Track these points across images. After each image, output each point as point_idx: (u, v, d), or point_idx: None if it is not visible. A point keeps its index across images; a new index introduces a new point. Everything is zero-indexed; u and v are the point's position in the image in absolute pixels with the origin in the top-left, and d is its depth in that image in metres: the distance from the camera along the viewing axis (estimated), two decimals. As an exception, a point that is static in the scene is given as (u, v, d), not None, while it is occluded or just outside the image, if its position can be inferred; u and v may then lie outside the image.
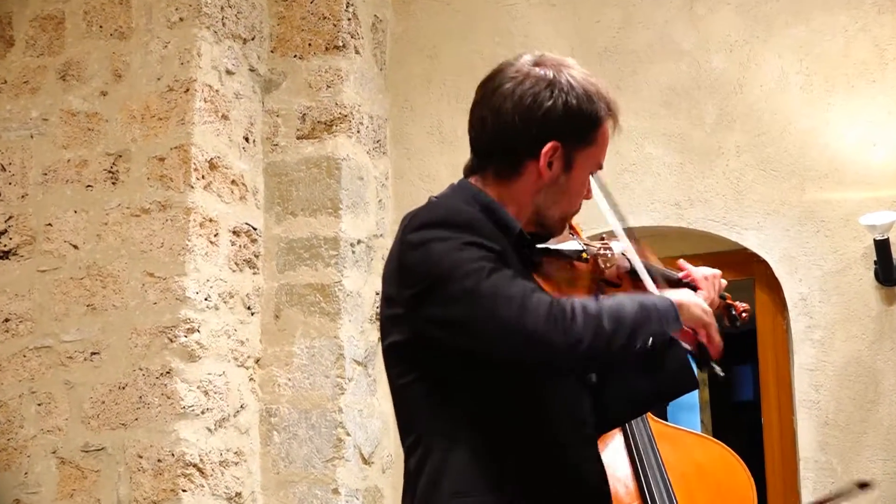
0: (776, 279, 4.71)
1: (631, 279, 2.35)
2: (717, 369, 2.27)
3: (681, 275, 2.46)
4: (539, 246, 2.30)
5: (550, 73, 2.22)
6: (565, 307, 2.05)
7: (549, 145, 2.21)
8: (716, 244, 4.87)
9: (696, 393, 7.90)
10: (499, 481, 2.11)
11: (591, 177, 2.32)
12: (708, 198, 4.80)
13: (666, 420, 5.12)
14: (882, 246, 4.45)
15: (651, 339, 2.13)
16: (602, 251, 2.37)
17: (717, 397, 7.31)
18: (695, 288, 2.40)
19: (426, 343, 2.13)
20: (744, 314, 2.58)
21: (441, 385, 2.15)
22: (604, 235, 2.43)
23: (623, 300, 2.13)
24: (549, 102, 2.20)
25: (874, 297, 4.54)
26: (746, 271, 4.89)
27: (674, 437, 3.52)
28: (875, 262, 4.51)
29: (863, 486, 3.20)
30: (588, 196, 2.33)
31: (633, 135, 4.83)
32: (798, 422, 4.61)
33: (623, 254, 2.37)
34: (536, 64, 2.25)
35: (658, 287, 2.31)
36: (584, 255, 2.35)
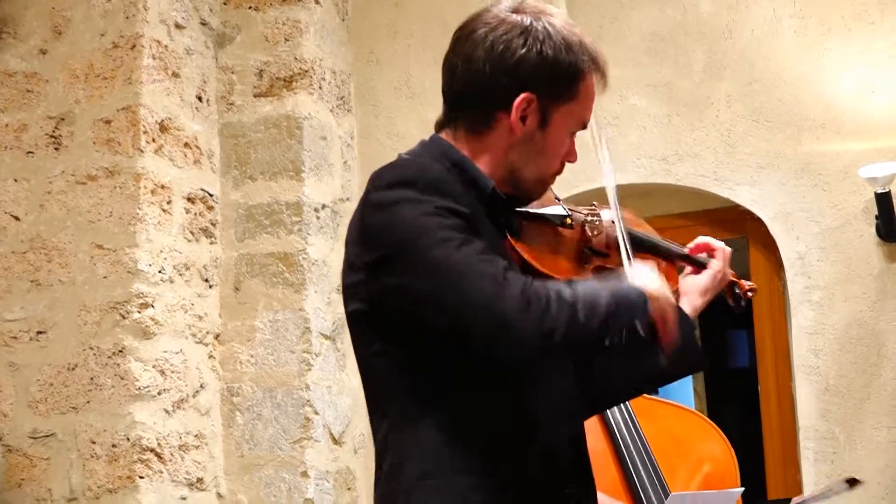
0: (771, 237, 4.70)
1: (618, 250, 2.27)
2: (662, 359, 2.15)
3: (689, 248, 2.42)
4: (519, 209, 2.25)
5: (527, 20, 2.16)
6: (539, 292, 1.99)
7: (521, 97, 2.14)
8: (706, 201, 4.86)
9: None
10: (467, 461, 2.06)
11: (592, 133, 2.27)
12: (697, 152, 4.77)
13: (657, 389, 5.03)
14: (883, 199, 4.42)
15: (621, 332, 2.08)
16: (590, 218, 2.31)
17: (712, 365, 7.27)
18: (704, 265, 2.38)
19: (387, 312, 2.08)
20: (749, 293, 2.52)
21: (405, 358, 2.10)
22: (594, 203, 2.36)
23: (597, 289, 2.06)
24: (523, 51, 2.13)
25: (876, 254, 4.53)
26: (739, 230, 4.93)
27: (648, 408, 3.52)
28: (876, 217, 4.49)
29: (852, 482, 3.20)
30: (571, 158, 2.25)
31: (615, 86, 4.67)
32: (797, 389, 4.61)
33: (613, 222, 2.30)
34: (515, 10, 2.19)
35: (643, 259, 2.25)
36: (569, 220, 2.29)
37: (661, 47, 4.83)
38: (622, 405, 3.34)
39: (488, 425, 2.08)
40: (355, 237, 2.13)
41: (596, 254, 2.30)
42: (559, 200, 2.33)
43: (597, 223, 2.30)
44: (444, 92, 2.24)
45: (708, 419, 3.60)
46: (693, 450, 3.50)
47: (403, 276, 2.02)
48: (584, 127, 2.24)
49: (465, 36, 2.18)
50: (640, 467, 3.28)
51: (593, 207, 2.34)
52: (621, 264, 2.23)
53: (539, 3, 2.22)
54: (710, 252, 2.41)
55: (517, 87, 2.13)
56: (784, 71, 4.67)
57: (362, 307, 2.12)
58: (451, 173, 2.12)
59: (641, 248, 2.33)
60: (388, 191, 2.07)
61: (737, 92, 4.72)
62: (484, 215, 2.12)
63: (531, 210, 2.26)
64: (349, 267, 2.15)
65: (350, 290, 2.15)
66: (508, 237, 2.20)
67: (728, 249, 2.42)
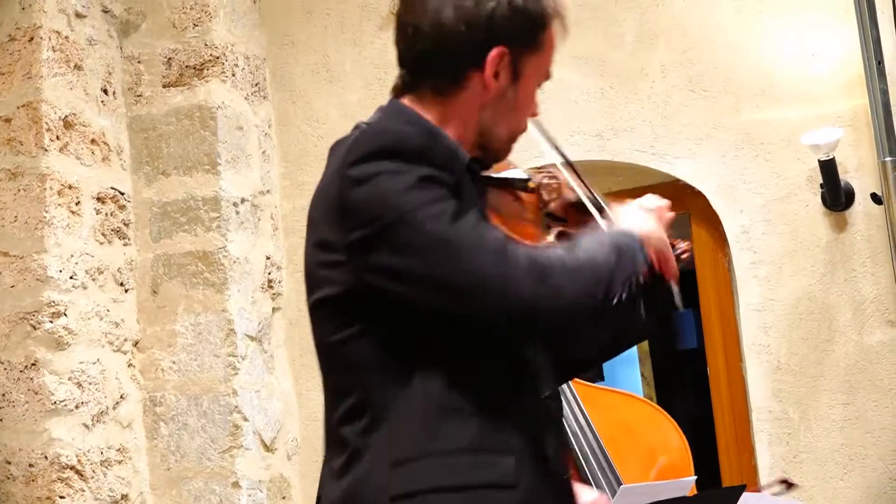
0: (714, 212, 4.70)
1: (576, 213, 2.29)
2: (676, 295, 2.26)
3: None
4: (483, 174, 2.24)
5: None
6: (546, 259, 2.02)
7: (494, 52, 2.14)
8: (645, 177, 4.84)
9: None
10: (457, 440, 2.06)
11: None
12: (633, 126, 4.76)
13: (602, 375, 5.07)
14: (828, 167, 4.42)
15: (626, 286, 2.08)
16: (547, 181, 2.32)
17: (658, 347, 7.32)
18: None
19: (372, 293, 2.06)
20: (684, 255, 2.50)
21: (389, 339, 2.08)
22: (553, 165, 2.35)
23: (593, 245, 2.09)
24: (493, 3, 2.13)
25: (823, 224, 4.55)
26: (681, 205, 4.81)
27: (597, 397, 3.54)
28: (821, 186, 4.50)
29: (788, 485, 3.37)
30: (535, 112, 2.27)
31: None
32: (747, 369, 4.62)
33: (569, 185, 2.32)
34: None
35: (606, 220, 2.26)
36: (531, 184, 2.30)
37: (590, 18, 4.79)
38: (568, 394, 3.36)
39: (478, 402, 2.08)
40: (331, 216, 2.09)
41: (554, 219, 2.30)
42: (511, 164, 2.34)
43: (554, 185, 2.30)
44: (402, 55, 2.21)
45: (658, 406, 3.63)
46: (644, 438, 3.52)
47: (394, 255, 2.01)
48: (549, 77, 2.25)
49: None
50: (591, 458, 3.30)
51: (548, 170, 2.34)
52: (581, 227, 2.23)
53: None
54: None
55: (490, 42, 2.13)
56: (719, 37, 4.66)
57: (337, 290, 2.09)
58: (428, 139, 2.11)
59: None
60: (366, 164, 2.04)
61: (671, 61, 4.71)
62: (469, 182, 2.12)
63: (493, 175, 2.26)
64: (321, 248, 2.12)
65: (321, 272, 2.12)
66: None
67: (665, 203, 2.39)
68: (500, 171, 2.28)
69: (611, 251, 2.07)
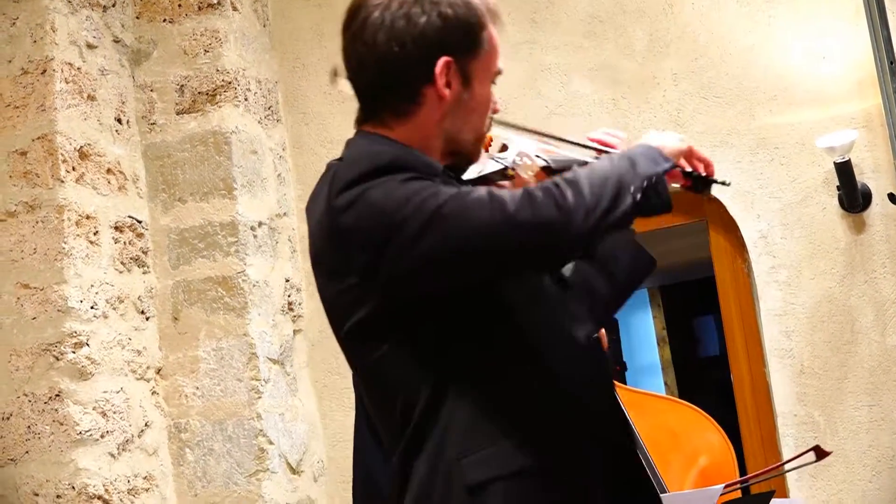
0: (731, 218, 4.70)
1: (561, 171, 2.32)
2: (724, 180, 2.42)
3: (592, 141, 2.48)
4: (464, 178, 2.32)
5: None
6: (542, 186, 2.08)
7: (440, 63, 2.19)
8: None
9: (656, 353, 7.92)
10: (505, 430, 2.12)
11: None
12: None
13: (625, 384, 5.06)
14: (844, 169, 4.42)
15: (646, 184, 2.15)
16: (521, 160, 2.39)
17: (681, 355, 7.30)
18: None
19: (403, 303, 2.11)
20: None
21: (422, 348, 2.14)
22: (503, 144, 2.44)
23: (600, 161, 2.19)
24: (424, 18, 2.18)
25: (841, 226, 4.55)
26: (697, 213, 4.89)
27: (641, 402, 3.55)
28: (838, 188, 4.50)
29: (820, 453, 3.32)
30: (496, 108, 2.32)
31: (556, 72, 4.81)
32: (771, 374, 4.63)
33: (537, 155, 2.40)
34: None
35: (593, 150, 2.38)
36: (510, 171, 2.38)
37: (600, 29, 4.82)
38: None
39: (519, 389, 2.15)
40: (331, 246, 2.16)
41: None
42: (485, 151, 2.39)
43: (528, 162, 2.38)
44: (355, 88, 2.26)
45: (704, 412, 3.61)
46: (689, 443, 3.51)
47: (409, 249, 2.05)
48: (499, 73, 2.29)
49: (360, 25, 2.21)
50: None
51: (513, 149, 2.40)
52: None
53: None
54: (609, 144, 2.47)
55: (432, 55, 2.18)
56: (730, 43, 4.68)
57: (368, 311, 2.13)
58: (402, 152, 2.16)
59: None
60: (349, 190, 2.10)
61: (683, 69, 4.72)
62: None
63: (474, 176, 2.34)
64: (332, 278, 2.18)
65: (343, 301, 2.17)
66: None
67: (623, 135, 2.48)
68: (477, 166, 2.35)
69: (619, 159, 2.17)
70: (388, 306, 2.11)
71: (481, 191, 2.09)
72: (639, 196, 2.12)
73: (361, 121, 2.27)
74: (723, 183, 2.42)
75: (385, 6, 2.19)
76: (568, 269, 2.31)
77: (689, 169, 2.34)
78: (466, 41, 2.21)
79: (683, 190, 2.38)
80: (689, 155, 2.33)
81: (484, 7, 2.24)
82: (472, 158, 2.31)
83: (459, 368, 2.13)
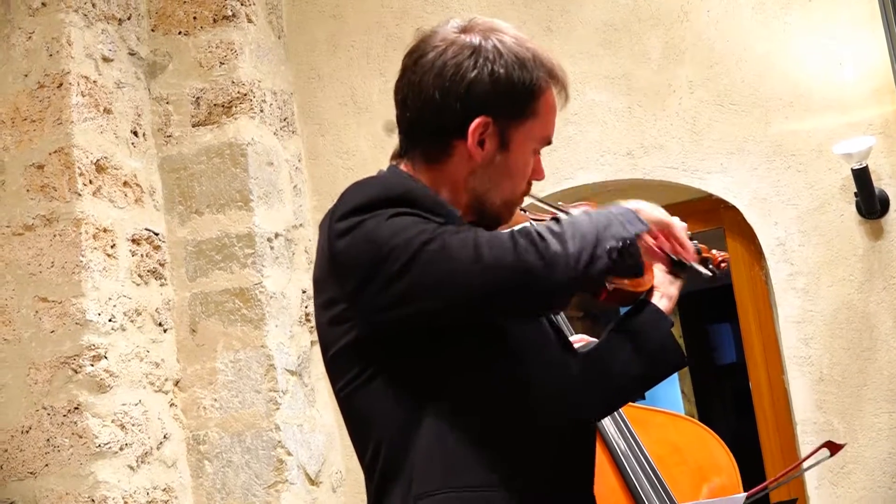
0: (748, 225, 4.70)
1: None
2: (703, 270, 2.32)
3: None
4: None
5: (476, 40, 2.16)
6: (526, 232, 2.04)
7: (476, 121, 2.15)
8: (677, 193, 4.83)
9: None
10: (476, 469, 2.08)
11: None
12: (663, 143, 4.77)
13: (643, 394, 5.04)
14: (861, 175, 4.42)
15: (620, 243, 2.09)
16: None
17: (698, 363, 7.29)
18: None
19: (383, 335, 2.09)
20: (723, 264, 2.53)
21: (401, 379, 2.12)
22: (560, 203, 2.39)
23: (577, 215, 2.14)
24: (474, 73, 2.14)
25: (858, 232, 4.54)
26: (714, 220, 4.90)
27: (644, 418, 3.53)
28: (855, 195, 4.50)
29: (833, 447, 3.30)
30: (538, 176, 2.27)
31: (571, 81, 4.72)
32: (790, 381, 4.62)
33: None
34: (463, 30, 2.19)
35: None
36: None
37: (615, 37, 4.82)
38: (616, 416, 3.36)
39: (495, 429, 2.10)
40: (326, 272, 2.15)
41: None
42: (525, 212, 2.36)
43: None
44: (398, 121, 2.25)
45: (704, 425, 3.60)
46: (692, 458, 3.51)
47: (393, 283, 2.03)
48: (548, 143, 2.24)
49: (413, 62, 2.19)
50: (643, 478, 3.29)
51: (560, 208, 2.36)
52: None
53: (489, 20, 2.22)
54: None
55: (471, 112, 2.14)
56: (745, 51, 4.68)
57: (346, 340, 2.12)
58: (413, 189, 2.14)
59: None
60: (350, 217, 2.09)
61: (698, 77, 4.72)
62: None
63: None
64: (326, 307, 2.16)
65: (332, 331, 2.16)
66: None
67: (678, 223, 2.37)
68: (513, 226, 2.29)
69: (596, 215, 2.12)
70: (369, 336, 2.10)
71: (469, 232, 2.06)
72: (615, 255, 2.06)
73: (397, 155, 2.26)
74: (705, 273, 2.34)
75: (442, 51, 2.15)
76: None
77: (666, 248, 2.27)
78: (513, 106, 2.16)
79: (665, 269, 2.32)
80: (668, 229, 2.26)
81: (547, 71, 2.19)
82: (500, 220, 2.25)
83: (433, 406, 2.09)
